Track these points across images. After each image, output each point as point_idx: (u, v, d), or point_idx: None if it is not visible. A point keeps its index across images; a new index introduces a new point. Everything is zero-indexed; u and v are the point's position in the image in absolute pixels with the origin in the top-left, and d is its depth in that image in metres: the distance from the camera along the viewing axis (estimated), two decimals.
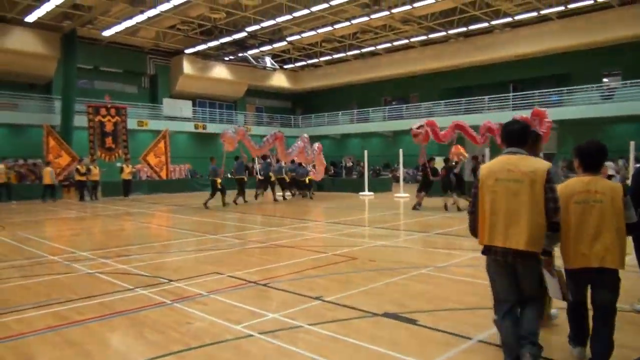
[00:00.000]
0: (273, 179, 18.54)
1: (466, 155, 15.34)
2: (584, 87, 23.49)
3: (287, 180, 19.44)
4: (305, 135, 20.54)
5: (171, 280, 6.05)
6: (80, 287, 5.83)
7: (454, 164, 14.26)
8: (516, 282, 3.23)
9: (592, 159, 3.35)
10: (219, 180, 16.10)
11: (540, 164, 3.18)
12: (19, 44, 23.32)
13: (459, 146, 15.40)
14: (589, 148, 3.36)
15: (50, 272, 6.68)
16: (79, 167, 19.83)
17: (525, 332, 3.17)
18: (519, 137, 3.31)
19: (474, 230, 3.43)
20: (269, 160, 18.55)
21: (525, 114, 24.22)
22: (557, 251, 3.46)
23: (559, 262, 3.45)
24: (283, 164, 19.57)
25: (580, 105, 23.03)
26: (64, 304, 5.11)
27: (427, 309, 4.85)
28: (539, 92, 24.39)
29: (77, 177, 19.65)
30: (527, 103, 24.77)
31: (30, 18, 21.77)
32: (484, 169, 3.35)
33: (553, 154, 24.05)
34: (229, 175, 19.48)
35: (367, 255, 7.56)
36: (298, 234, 10.11)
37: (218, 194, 16.13)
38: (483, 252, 3.35)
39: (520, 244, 3.10)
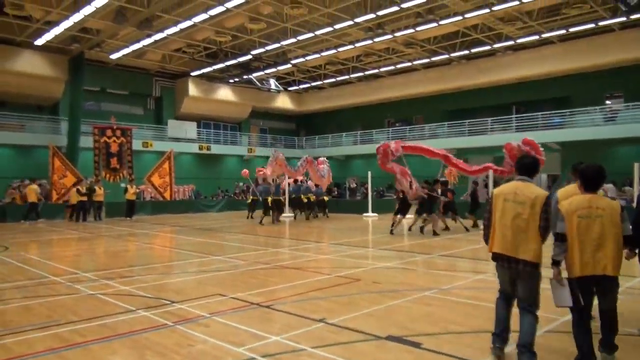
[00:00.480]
0: (269, 200, 19.01)
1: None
2: (587, 109, 23.58)
3: (310, 200, 20.17)
4: (307, 156, 21.05)
5: (173, 302, 6.02)
6: (82, 308, 5.80)
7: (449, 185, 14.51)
8: (514, 282, 3.95)
9: (593, 181, 3.84)
10: (269, 199, 17.85)
11: (541, 192, 3.85)
12: (28, 67, 23.69)
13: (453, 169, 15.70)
14: (589, 171, 3.85)
15: (52, 293, 6.66)
16: (79, 187, 19.88)
17: (523, 341, 3.74)
18: (528, 169, 4.02)
19: (487, 240, 4.11)
20: (298, 183, 19.96)
21: (528, 135, 24.42)
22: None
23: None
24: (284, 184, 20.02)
25: (583, 127, 23.07)
26: (66, 326, 5.08)
27: (431, 331, 4.80)
28: (542, 114, 24.47)
29: (78, 198, 19.68)
30: (530, 125, 24.87)
31: (40, 41, 22.17)
32: (496, 190, 4.09)
33: (557, 175, 24.02)
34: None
35: (370, 277, 7.51)
36: (301, 255, 10.07)
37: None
38: (493, 258, 4.06)
39: (528, 255, 3.78)
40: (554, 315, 5.24)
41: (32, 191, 19.05)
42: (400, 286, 6.90)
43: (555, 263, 3.75)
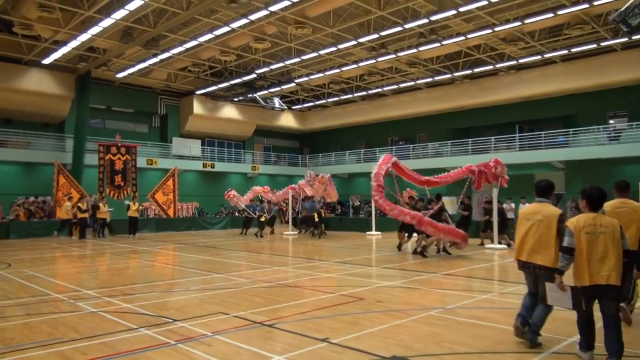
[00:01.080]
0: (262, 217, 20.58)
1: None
2: (590, 128, 23.59)
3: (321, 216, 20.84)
4: (310, 172, 21.66)
5: (176, 320, 5.97)
6: (83, 326, 5.77)
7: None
8: (536, 282, 4.94)
9: (596, 202, 4.40)
10: (316, 215, 19.58)
11: (555, 210, 4.83)
12: (35, 85, 23.98)
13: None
14: (593, 193, 4.40)
15: (54, 311, 6.63)
16: (80, 204, 19.91)
17: (533, 322, 4.87)
18: (544, 190, 5.02)
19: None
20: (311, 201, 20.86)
21: (532, 154, 24.42)
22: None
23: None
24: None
25: (587, 146, 23.06)
26: (67, 344, 5.04)
27: (436, 352, 4.74)
28: (545, 133, 24.50)
29: (79, 215, 19.69)
30: (534, 143, 24.88)
31: (48, 60, 22.48)
32: (522, 210, 5.14)
33: (562, 194, 23.93)
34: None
35: (374, 296, 7.45)
36: (305, 274, 10.01)
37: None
38: (519, 267, 5.04)
39: (547, 262, 4.68)
40: (561, 337, 5.19)
41: (64, 208, 19.58)
42: (404, 305, 6.83)
43: (560, 272, 4.34)
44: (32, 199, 22.62)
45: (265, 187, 23.40)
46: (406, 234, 14.15)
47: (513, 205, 19.67)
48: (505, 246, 14.86)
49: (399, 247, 14.42)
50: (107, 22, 17.82)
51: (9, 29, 19.69)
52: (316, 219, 19.89)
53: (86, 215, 19.69)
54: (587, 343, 4.36)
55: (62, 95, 25.02)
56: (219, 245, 16.53)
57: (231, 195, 22.31)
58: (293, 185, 22.22)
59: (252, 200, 22.78)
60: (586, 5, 16.52)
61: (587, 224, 4.27)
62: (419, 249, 13.14)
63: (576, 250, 4.23)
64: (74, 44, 20.17)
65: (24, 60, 23.11)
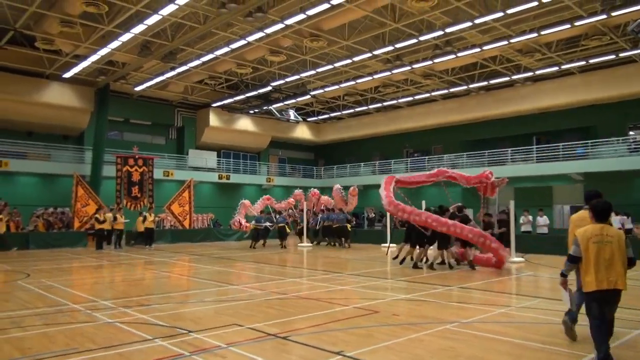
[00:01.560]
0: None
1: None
2: (609, 140, 23.22)
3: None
4: (338, 186, 22.55)
5: (190, 331, 5.98)
6: (99, 336, 5.81)
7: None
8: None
9: (602, 214, 4.78)
10: (349, 226, 20.57)
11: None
12: (56, 98, 24.51)
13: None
14: (598, 206, 4.80)
15: (71, 321, 6.69)
16: (97, 215, 20.18)
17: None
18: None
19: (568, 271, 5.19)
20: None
21: (550, 166, 24.09)
22: None
23: None
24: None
25: (606, 158, 22.69)
26: (83, 354, 5.08)
27: None
28: (563, 145, 24.16)
29: (97, 226, 19.93)
30: (551, 155, 24.56)
31: (68, 74, 22.99)
32: (582, 233, 4.81)
33: (580, 207, 23.54)
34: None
35: (389, 309, 7.38)
36: (319, 286, 9.97)
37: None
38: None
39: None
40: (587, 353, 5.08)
41: (108, 219, 20.06)
42: (419, 319, 6.75)
43: (563, 275, 5.05)
44: (51, 210, 22.98)
45: (265, 196, 23.61)
46: (417, 247, 13.38)
47: (530, 217, 19.41)
48: (521, 259, 14.59)
49: (402, 261, 13.71)
50: (126, 37, 18.18)
51: (31, 44, 20.20)
52: (349, 229, 20.68)
53: (103, 226, 19.93)
54: (603, 356, 4.54)
55: (81, 108, 25.53)
56: (234, 257, 16.56)
57: (240, 221, 22.13)
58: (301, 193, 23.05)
59: (262, 211, 22.64)
60: (604, 16, 16.35)
61: (594, 234, 4.68)
62: (419, 263, 12.90)
63: (584, 259, 4.68)
64: (93, 58, 20.60)
65: (45, 74, 23.66)
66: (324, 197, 23.20)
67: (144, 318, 6.82)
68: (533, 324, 6.50)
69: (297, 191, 23.64)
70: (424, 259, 13.18)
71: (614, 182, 22.22)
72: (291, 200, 23.39)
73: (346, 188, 22.66)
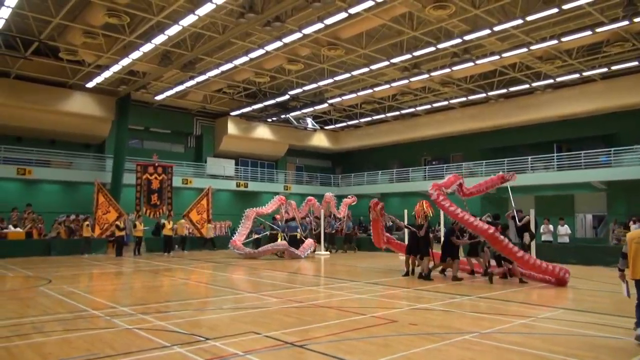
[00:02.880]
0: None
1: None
2: (633, 147, 22.72)
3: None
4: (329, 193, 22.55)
5: (208, 339, 6.00)
6: (118, 342, 5.86)
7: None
8: None
9: None
10: (298, 235, 20.52)
11: None
12: (78, 107, 25.03)
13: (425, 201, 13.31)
14: None
15: (91, 327, 6.77)
16: (118, 222, 20.45)
17: None
18: None
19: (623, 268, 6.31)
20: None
21: (571, 174, 23.65)
22: None
23: None
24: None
25: (629, 166, 22.19)
26: None
27: None
28: (585, 153, 23.71)
29: (117, 233, 20.20)
30: (573, 163, 24.13)
31: (91, 84, 23.46)
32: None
33: (603, 215, 23.06)
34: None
35: (407, 319, 7.29)
36: (336, 294, 9.92)
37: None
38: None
39: None
40: None
41: (181, 225, 21.53)
42: (438, 329, 6.66)
43: (620, 270, 6.23)
44: (72, 217, 23.37)
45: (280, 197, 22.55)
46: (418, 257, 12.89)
47: (551, 227, 19.05)
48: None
49: (410, 272, 13.23)
50: (147, 47, 18.49)
51: (55, 54, 20.69)
52: (298, 237, 20.71)
53: (123, 233, 20.18)
54: (637, 321, 5.89)
55: (103, 117, 26.01)
56: (251, 264, 16.59)
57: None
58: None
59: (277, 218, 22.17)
60: (626, 23, 16.06)
61: (637, 236, 6.02)
62: (424, 273, 12.39)
63: (628, 255, 5.96)
64: (115, 68, 20.99)
65: (68, 84, 24.18)
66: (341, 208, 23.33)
67: (162, 325, 6.87)
68: (555, 335, 6.36)
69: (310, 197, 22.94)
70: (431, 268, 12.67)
71: (637, 190, 21.72)
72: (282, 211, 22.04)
73: (364, 196, 22.51)
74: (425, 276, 12.30)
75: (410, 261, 13.36)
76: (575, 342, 5.95)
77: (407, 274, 13.20)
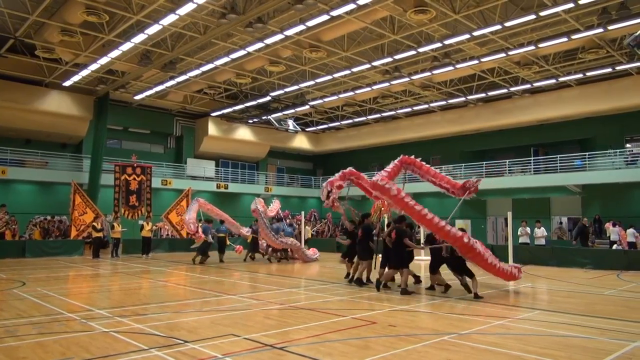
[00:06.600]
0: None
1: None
2: (607, 152, 23.31)
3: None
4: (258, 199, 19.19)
5: (186, 341, 5.94)
6: (95, 346, 5.76)
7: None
8: None
9: None
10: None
11: None
12: (55, 106, 24.56)
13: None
14: None
15: (66, 330, 6.64)
16: (94, 224, 20.11)
17: None
18: None
19: None
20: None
21: (548, 178, 24.13)
22: None
23: None
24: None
25: (604, 170, 22.77)
26: None
27: None
28: (561, 157, 24.25)
29: (94, 234, 19.84)
30: (549, 167, 24.64)
31: (68, 83, 23.05)
32: None
33: (578, 218, 23.55)
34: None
35: (386, 320, 7.35)
36: (317, 296, 9.93)
37: None
38: None
39: None
40: None
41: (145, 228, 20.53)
42: (417, 330, 6.72)
43: None
44: (48, 218, 22.92)
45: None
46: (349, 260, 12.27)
47: (528, 229, 19.39)
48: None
49: (353, 278, 11.99)
50: (126, 46, 18.27)
51: (31, 52, 20.28)
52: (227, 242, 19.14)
53: (100, 234, 19.85)
54: None
55: (80, 116, 25.57)
56: (231, 266, 16.49)
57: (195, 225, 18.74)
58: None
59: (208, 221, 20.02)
60: (600, 30, 16.50)
61: None
62: (358, 276, 11.59)
63: None
64: (93, 67, 20.67)
65: (44, 83, 23.72)
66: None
67: (140, 328, 6.78)
68: (531, 335, 6.48)
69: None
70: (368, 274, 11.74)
71: (611, 194, 22.27)
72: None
73: (341, 198, 21.74)
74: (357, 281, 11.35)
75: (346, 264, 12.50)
76: (549, 342, 6.07)
77: (347, 276, 12.36)
